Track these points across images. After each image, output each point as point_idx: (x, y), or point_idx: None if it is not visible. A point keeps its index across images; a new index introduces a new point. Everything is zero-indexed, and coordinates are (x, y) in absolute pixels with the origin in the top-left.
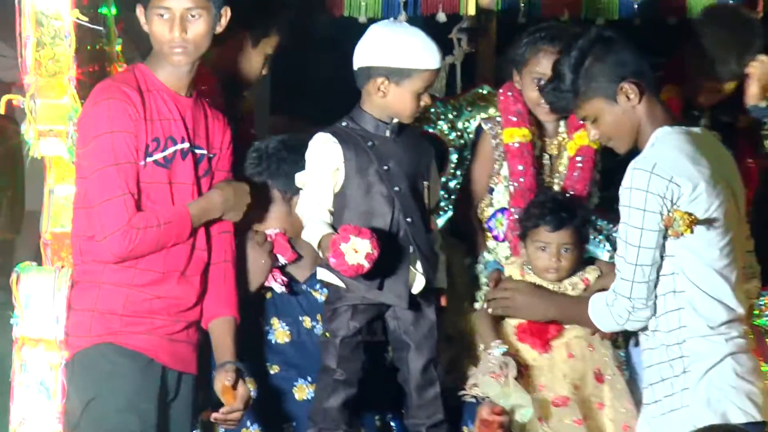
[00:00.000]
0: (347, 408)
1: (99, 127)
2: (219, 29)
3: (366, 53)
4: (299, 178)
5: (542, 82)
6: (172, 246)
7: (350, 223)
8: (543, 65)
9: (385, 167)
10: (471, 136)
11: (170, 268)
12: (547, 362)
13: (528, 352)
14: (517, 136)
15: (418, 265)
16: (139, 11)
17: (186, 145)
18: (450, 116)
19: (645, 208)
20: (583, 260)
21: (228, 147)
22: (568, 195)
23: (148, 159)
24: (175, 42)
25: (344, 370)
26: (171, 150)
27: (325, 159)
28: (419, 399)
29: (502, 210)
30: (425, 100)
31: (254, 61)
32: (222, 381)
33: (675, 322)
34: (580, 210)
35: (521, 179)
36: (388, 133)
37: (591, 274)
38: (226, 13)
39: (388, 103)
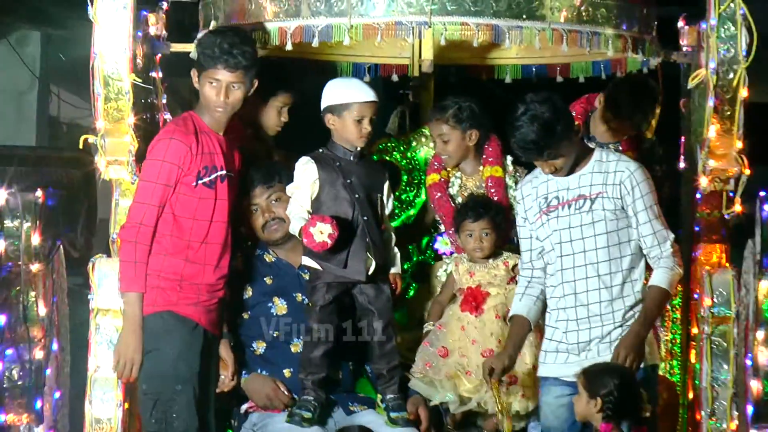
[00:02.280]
0: (327, 357)
1: (157, 154)
2: (249, 93)
3: (322, 101)
4: (289, 189)
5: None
6: (210, 243)
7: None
8: (435, 129)
9: (348, 181)
10: (416, 162)
11: (209, 261)
12: (479, 323)
13: (467, 317)
14: (431, 180)
15: (372, 251)
16: (194, 73)
17: (224, 172)
18: (401, 149)
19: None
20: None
21: (239, 168)
22: (483, 195)
23: (200, 182)
24: (219, 104)
25: (323, 330)
26: (214, 175)
27: (305, 174)
28: (380, 350)
29: (441, 233)
30: (365, 125)
31: (270, 113)
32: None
33: (639, 285)
34: (493, 204)
35: (439, 206)
36: (352, 158)
37: (511, 259)
38: (255, 83)
39: (339, 132)
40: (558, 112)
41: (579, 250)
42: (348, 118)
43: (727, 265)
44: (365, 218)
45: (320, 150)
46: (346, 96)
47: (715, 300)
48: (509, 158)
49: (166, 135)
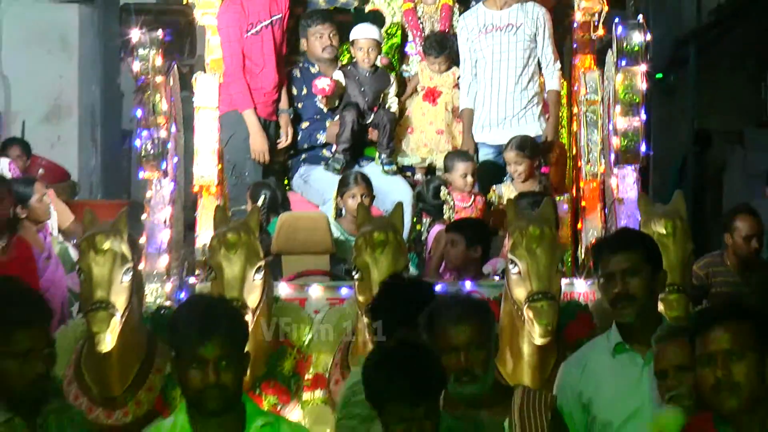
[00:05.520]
0: (352, 133)
1: (221, 24)
2: None
3: None
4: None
5: None
6: (266, 68)
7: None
8: None
9: (362, 89)
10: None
11: (266, 79)
12: (434, 110)
13: (427, 106)
14: (404, 6)
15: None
16: None
17: (268, 21)
18: None
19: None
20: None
21: (287, 8)
22: (439, 33)
23: (248, 34)
24: None
25: (349, 116)
26: (259, 26)
27: (337, 78)
28: (384, 132)
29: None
30: (364, 57)
31: None
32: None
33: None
34: (447, 37)
35: (411, 26)
36: (367, 74)
37: (457, 72)
38: None
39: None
40: None
41: (504, 59)
42: (355, 49)
43: (595, 67)
44: (368, 100)
45: (348, 66)
46: (354, 33)
47: (587, 89)
48: None
49: (221, 11)
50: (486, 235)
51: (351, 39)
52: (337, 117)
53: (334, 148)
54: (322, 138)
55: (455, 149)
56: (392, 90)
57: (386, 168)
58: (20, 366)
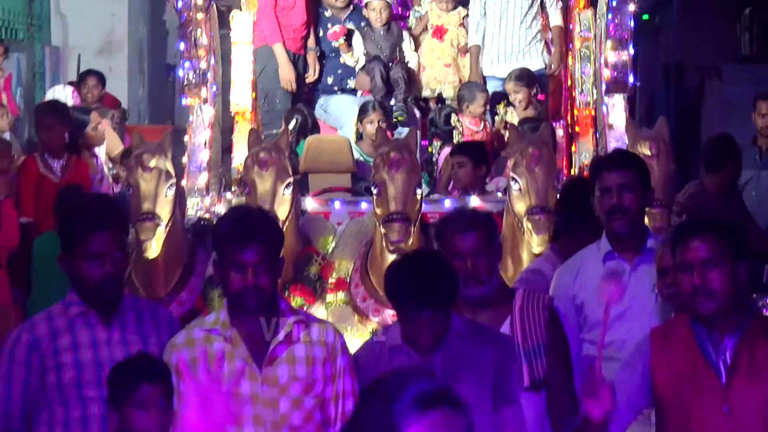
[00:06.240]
0: (383, 81)
1: None
2: None
3: None
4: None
5: None
6: (295, 9)
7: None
8: None
9: (379, 46)
10: None
11: (295, 18)
12: (442, 46)
13: (435, 42)
14: None
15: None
16: None
17: None
18: None
19: None
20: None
21: None
22: None
23: None
24: None
25: (377, 68)
26: None
27: (356, 40)
28: (398, 88)
29: None
30: (376, 18)
31: None
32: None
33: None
34: None
35: None
36: (381, 32)
37: (462, 12)
38: None
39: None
40: None
41: (512, 1)
42: (368, 10)
43: (588, 7)
44: (386, 54)
45: (364, 28)
46: None
47: (581, 27)
48: None
49: None
50: (487, 156)
51: (365, 2)
52: (360, 67)
53: (359, 93)
54: (343, 73)
55: (461, 81)
56: (406, 45)
57: (397, 115)
58: (94, 267)
